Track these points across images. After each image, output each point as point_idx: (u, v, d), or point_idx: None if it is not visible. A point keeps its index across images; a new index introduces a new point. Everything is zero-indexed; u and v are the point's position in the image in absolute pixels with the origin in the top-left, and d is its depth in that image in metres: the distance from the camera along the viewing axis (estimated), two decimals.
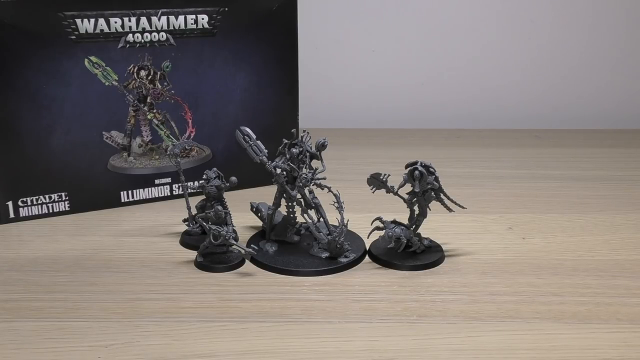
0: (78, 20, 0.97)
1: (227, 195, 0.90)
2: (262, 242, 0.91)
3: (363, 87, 1.53)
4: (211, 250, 0.87)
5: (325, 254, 0.87)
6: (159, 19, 1.01)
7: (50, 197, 1.01)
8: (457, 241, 0.93)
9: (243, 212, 0.97)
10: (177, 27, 1.03)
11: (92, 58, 0.99)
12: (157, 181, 1.08)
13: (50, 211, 1.02)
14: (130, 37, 1.00)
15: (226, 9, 1.05)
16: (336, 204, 0.86)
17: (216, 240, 0.85)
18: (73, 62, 0.98)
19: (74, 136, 1.01)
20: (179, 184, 1.08)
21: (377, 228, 0.88)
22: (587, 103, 1.54)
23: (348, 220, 0.87)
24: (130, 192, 1.06)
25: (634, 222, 1.01)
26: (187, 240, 0.93)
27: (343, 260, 0.86)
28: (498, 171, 1.23)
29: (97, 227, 0.99)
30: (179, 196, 1.09)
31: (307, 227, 0.90)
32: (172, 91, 1.05)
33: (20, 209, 1.00)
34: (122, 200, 1.06)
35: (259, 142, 0.89)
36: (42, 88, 0.97)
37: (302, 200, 0.88)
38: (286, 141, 0.87)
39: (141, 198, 1.07)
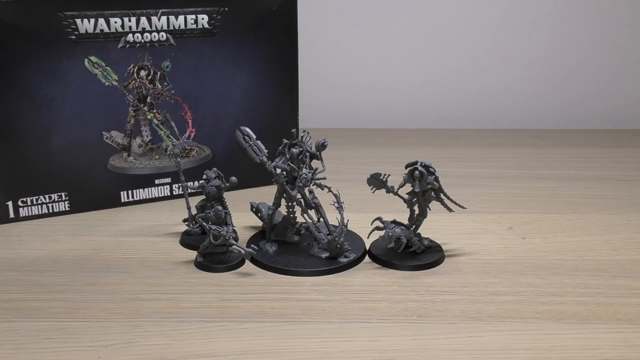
0: (78, 20, 0.97)
1: (227, 195, 0.91)
2: (262, 242, 0.91)
3: (363, 87, 1.53)
4: (211, 250, 0.87)
5: (325, 254, 0.87)
6: (159, 19, 1.01)
7: (50, 197, 1.01)
8: (457, 241, 0.93)
9: (243, 212, 0.97)
10: (177, 27, 1.03)
11: (92, 58, 0.99)
12: (157, 181, 1.08)
13: (50, 211, 1.02)
14: (130, 37, 1.00)
15: (226, 9, 1.05)
16: (336, 204, 0.86)
17: (216, 240, 0.85)
18: (73, 62, 0.98)
19: (74, 136, 1.01)
20: (179, 184, 1.08)
21: (377, 228, 0.88)
22: (587, 103, 1.54)
23: (348, 220, 0.87)
24: (130, 192, 1.06)
25: (634, 222, 1.01)
26: (187, 240, 0.93)
27: (343, 260, 0.86)
28: (498, 171, 1.23)
29: (97, 227, 0.99)
30: (179, 196, 1.09)
31: (307, 227, 0.90)
32: (172, 91, 1.05)
33: (20, 209, 1.00)
34: (122, 200, 1.06)
35: (259, 142, 0.89)
36: (42, 88, 0.97)
37: (302, 200, 0.88)
38: (286, 141, 0.87)
39: (141, 198, 1.07)
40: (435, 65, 1.52)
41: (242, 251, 0.85)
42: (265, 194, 0.99)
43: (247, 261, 0.87)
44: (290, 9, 1.09)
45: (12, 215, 1.00)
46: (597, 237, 0.95)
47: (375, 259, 0.88)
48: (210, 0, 1.03)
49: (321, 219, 0.89)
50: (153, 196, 1.08)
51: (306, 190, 0.88)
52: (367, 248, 0.90)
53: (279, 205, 0.91)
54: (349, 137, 1.42)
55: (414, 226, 0.88)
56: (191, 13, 1.03)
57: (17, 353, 0.68)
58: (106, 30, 0.99)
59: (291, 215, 0.91)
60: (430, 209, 0.88)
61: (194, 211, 0.93)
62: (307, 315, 0.75)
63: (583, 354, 0.69)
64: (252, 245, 0.88)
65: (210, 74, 1.07)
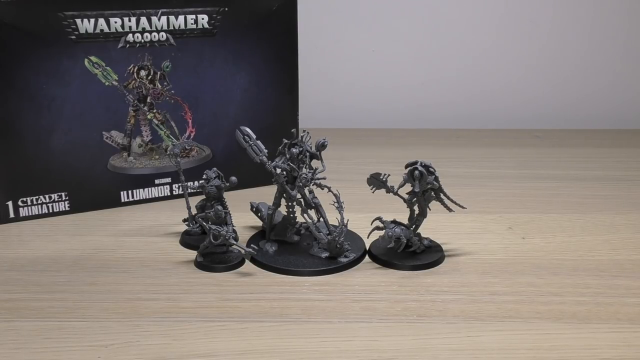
0: (78, 20, 0.97)
1: (227, 195, 0.91)
2: (262, 242, 0.91)
3: (363, 87, 1.53)
4: (211, 250, 0.87)
5: (325, 254, 0.87)
6: (159, 19, 1.01)
7: (50, 197, 1.01)
8: (457, 241, 0.93)
9: (243, 212, 0.97)
10: (177, 27, 1.03)
11: (92, 58, 0.99)
12: (157, 181, 1.08)
13: (50, 211, 1.02)
14: (130, 37, 1.00)
15: (226, 9, 1.05)
16: (336, 204, 0.86)
17: (216, 240, 0.85)
18: (73, 62, 0.98)
19: (74, 136, 1.01)
20: (179, 184, 1.08)
21: (377, 228, 0.88)
22: (587, 103, 1.54)
23: (348, 220, 0.87)
24: (130, 192, 1.06)
25: (634, 222, 1.01)
26: (187, 240, 0.93)
27: (343, 260, 0.86)
28: (498, 171, 1.23)
29: (97, 227, 0.99)
30: (179, 196, 1.09)
31: (307, 227, 0.90)
32: (172, 91, 1.05)
33: (20, 209, 1.00)
34: (122, 200, 1.06)
35: (259, 142, 0.89)
36: (42, 88, 0.97)
37: (302, 200, 0.88)
38: (286, 141, 0.87)
39: (141, 198, 1.07)
40: (435, 65, 1.52)
41: (242, 251, 0.85)
42: (265, 194, 0.99)
43: (247, 261, 0.87)
44: (290, 9, 1.09)
45: (12, 215, 1.00)
46: (597, 237, 0.95)
47: (375, 258, 0.88)
48: (210, 0, 1.03)
49: (321, 219, 0.89)
50: (153, 196, 1.08)
51: (306, 190, 0.88)
52: (367, 248, 0.90)
53: (279, 205, 0.91)
54: (349, 137, 1.42)
55: (414, 226, 0.88)
56: (191, 13, 1.03)
57: (17, 353, 0.68)
58: (106, 30, 0.99)
59: (291, 215, 0.91)
60: (430, 209, 0.88)
61: (194, 211, 0.93)
62: (307, 315, 0.75)
63: (583, 354, 0.69)
64: (252, 245, 0.88)
65: (210, 74, 1.07)
